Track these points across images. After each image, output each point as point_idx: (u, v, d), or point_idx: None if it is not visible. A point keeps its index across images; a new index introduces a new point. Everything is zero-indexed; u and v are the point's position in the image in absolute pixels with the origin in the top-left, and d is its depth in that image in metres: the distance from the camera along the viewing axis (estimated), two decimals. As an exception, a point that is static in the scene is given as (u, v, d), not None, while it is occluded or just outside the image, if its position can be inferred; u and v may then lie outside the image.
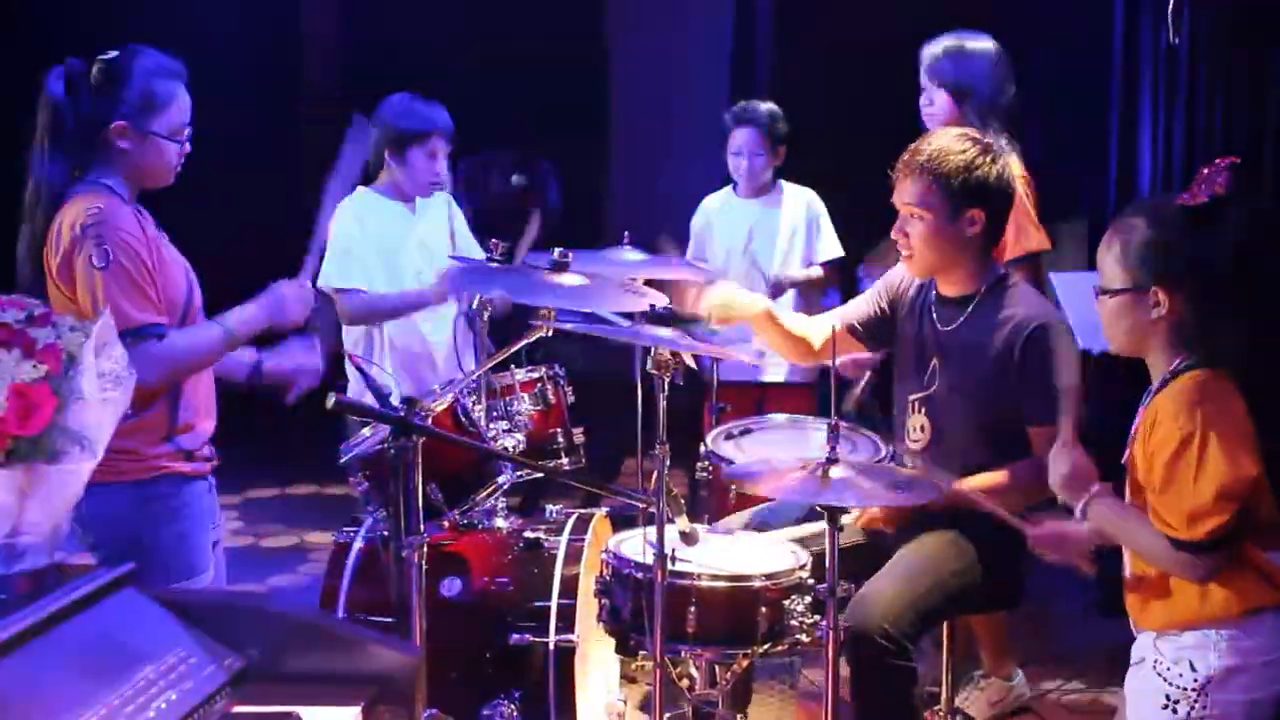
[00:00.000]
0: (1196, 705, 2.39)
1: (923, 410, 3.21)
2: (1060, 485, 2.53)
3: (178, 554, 2.91)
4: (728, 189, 4.82)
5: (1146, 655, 2.49)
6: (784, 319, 3.40)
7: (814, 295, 4.81)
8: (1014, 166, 3.88)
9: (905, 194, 3.14)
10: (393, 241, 4.20)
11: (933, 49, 4.01)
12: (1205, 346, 2.43)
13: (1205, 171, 2.42)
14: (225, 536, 3.25)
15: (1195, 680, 2.40)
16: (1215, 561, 2.37)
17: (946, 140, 3.13)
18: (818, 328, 3.42)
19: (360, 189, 4.27)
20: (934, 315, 3.23)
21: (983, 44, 4.01)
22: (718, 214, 4.82)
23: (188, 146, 2.97)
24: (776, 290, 4.57)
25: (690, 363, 3.17)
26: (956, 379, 3.15)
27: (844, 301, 5.20)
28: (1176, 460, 2.37)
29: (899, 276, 3.36)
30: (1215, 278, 2.43)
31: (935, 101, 3.99)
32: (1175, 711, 2.41)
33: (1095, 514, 2.49)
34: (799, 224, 4.73)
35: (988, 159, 3.10)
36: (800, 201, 4.76)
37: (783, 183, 4.78)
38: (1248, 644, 2.39)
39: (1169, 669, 2.43)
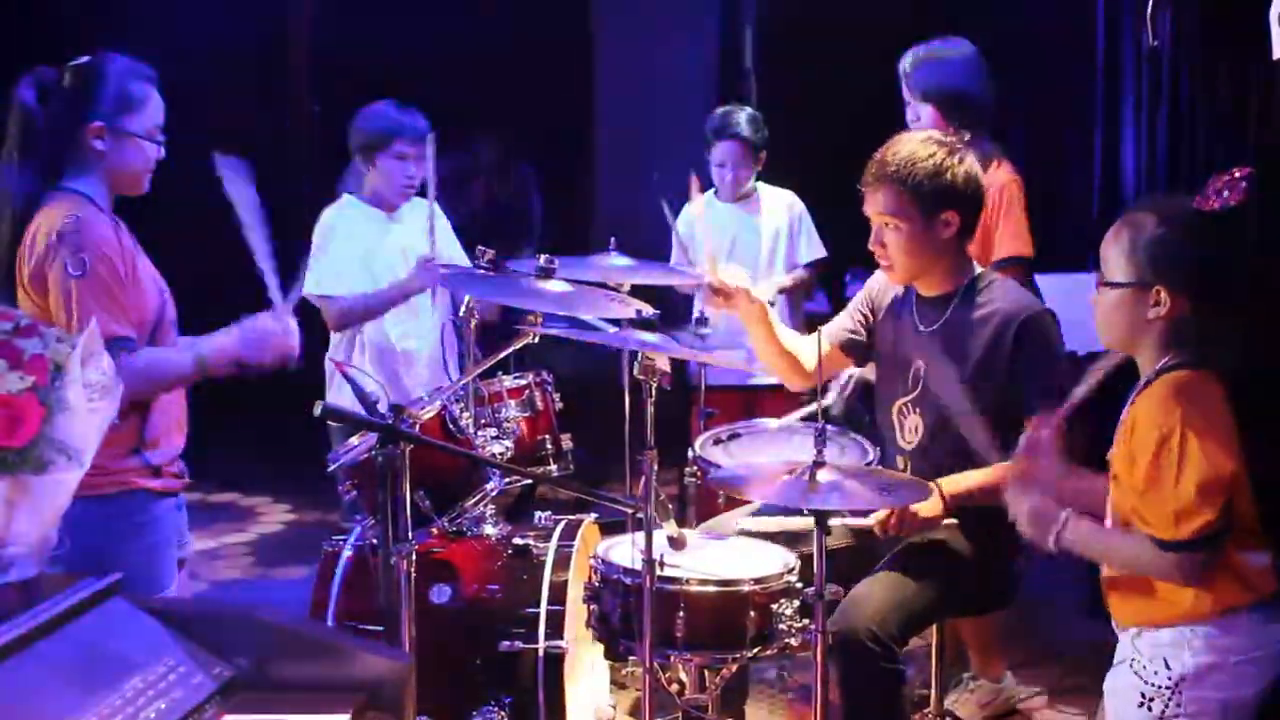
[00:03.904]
0: (1171, 703, 2.40)
1: (916, 410, 3.21)
2: (1026, 527, 2.54)
3: (142, 570, 2.83)
4: (709, 193, 4.81)
5: (1126, 654, 2.50)
6: (778, 327, 3.38)
7: (799, 298, 4.81)
8: (1004, 170, 3.91)
9: (877, 205, 3.13)
10: (372, 248, 4.20)
11: (910, 60, 3.98)
12: (1199, 349, 2.43)
13: (1223, 179, 2.40)
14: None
15: (1169, 678, 2.40)
16: (1202, 560, 2.36)
17: (911, 146, 3.12)
18: (808, 350, 3.39)
19: (345, 196, 4.29)
20: (915, 317, 3.24)
21: (958, 49, 3.99)
22: (699, 219, 4.81)
23: (161, 151, 2.95)
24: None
25: (665, 366, 3.16)
26: (941, 377, 3.15)
27: (831, 303, 5.23)
28: (1157, 460, 2.37)
29: (877, 284, 3.36)
30: (1220, 283, 2.42)
31: (922, 116, 3.94)
32: (1150, 709, 2.42)
33: (1070, 542, 2.49)
34: (781, 227, 4.73)
35: (954, 159, 3.10)
36: (781, 204, 4.76)
37: (762, 186, 4.77)
38: (1223, 642, 2.39)
39: (1144, 666, 2.44)
